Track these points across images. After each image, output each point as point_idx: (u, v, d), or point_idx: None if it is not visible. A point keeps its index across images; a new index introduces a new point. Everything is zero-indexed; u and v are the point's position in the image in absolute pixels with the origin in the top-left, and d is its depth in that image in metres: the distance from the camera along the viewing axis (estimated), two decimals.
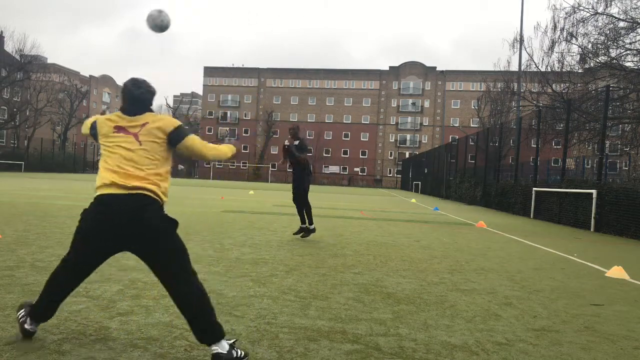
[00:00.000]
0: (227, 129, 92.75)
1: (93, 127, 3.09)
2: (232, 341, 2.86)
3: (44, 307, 2.97)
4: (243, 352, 2.82)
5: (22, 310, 3.06)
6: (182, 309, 2.83)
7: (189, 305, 2.81)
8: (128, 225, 2.77)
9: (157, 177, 2.91)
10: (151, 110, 3.06)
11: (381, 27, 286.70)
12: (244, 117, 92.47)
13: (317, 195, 31.03)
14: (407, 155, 79.03)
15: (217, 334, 2.79)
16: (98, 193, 2.90)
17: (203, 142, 3.13)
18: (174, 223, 2.89)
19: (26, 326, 2.98)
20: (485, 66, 62.32)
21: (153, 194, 2.86)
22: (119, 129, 2.97)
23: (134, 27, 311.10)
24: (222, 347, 2.76)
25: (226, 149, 3.30)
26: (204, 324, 2.79)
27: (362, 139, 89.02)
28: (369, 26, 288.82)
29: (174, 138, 2.99)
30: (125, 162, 2.88)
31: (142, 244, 2.81)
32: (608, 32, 18.94)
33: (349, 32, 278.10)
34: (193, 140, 3.07)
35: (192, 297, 2.81)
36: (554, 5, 26.20)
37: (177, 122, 3.06)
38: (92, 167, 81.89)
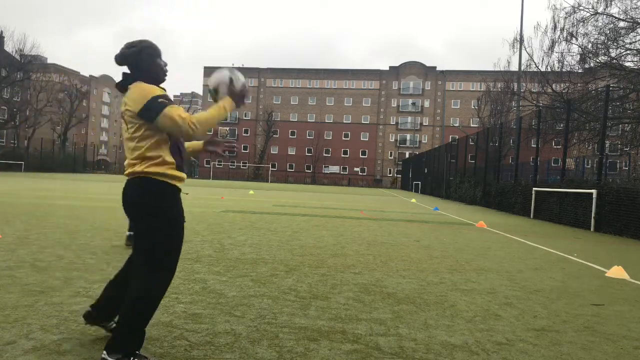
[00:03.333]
0: (227, 128, 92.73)
1: None
2: None
3: None
4: None
5: None
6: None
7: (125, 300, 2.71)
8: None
9: (145, 158, 2.69)
10: (144, 74, 2.74)
11: (378, 27, 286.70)
12: (244, 117, 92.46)
13: (317, 195, 31.01)
14: (407, 155, 79.02)
15: (122, 347, 2.59)
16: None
17: (179, 114, 2.62)
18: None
19: None
20: (483, 65, 62.29)
21: (143, 175, 2.69)
22: (122, 113, 2.77)
23: (131, 27, 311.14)
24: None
25: (218, 111, 2.79)
26: (118, 329, 2.63)
27: (362, 139, 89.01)
28: (366, 26, 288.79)
29: (145, 117, 2.63)
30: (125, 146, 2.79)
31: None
32: (608, 32, 18.95)
33: (348, 32, 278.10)
34: (169, 118, 2.61)
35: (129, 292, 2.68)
36: (554, 5, 26.23)
37: (146, 98, 2.61)
38: (92, 167, 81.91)
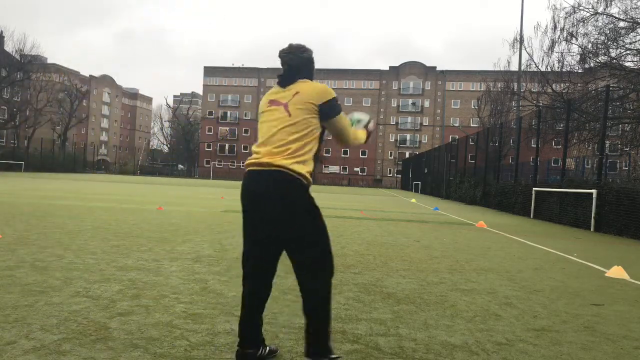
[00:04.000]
0: (227, 129, 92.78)
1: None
2: None
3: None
4: None
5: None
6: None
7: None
8: (270, 205, 2.64)
9: (302, 153, 2.66)
10: (308, 78, 2.81)
11: (378, 27, 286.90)
12: (244, 117, 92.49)
13: (317, 195, 31.00)
14: (407, 155, 79.02)
15: (326, 350, 2.67)
16: (247, 169, 2.79)
17: (349, 123, 2.87)
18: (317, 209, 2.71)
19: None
20: (483, 65, 62.32)
21: (295, 173, 2.62)
22: (271, 102, 2.78)
23: (131, 27, 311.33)
24: None
25: (362, 135, 3.04)
26: (319, 334, 2.71)
27: None
28: (366, 26, 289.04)
29: (324, 112, 2.70)
30: (271, 136, 2.69)
31: (285, 226, 2.65)
32: (608, 32, 18.96)
33: (348, 32, 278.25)
34: (343, 120, 2.80)
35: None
36: (554, 5, 26.20)
37: (331, 94, 2.73)
38: (92, 166, 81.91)
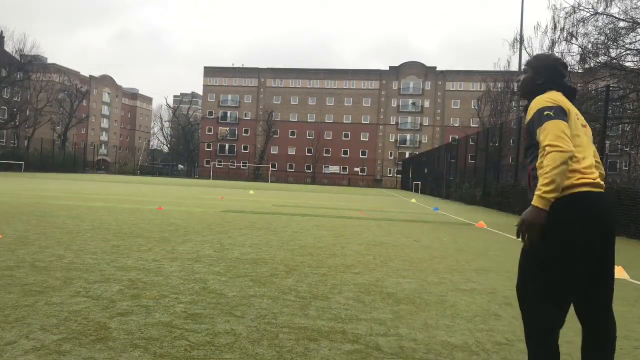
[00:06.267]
0: (227, 129, 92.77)
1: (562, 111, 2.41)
2: None
3: None
4: None
5: None
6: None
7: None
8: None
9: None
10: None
11: (379, 27, 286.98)
12: (244, 117, 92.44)
13: (317, 195, 31.02)
14: (407, 155, 79.01)
15: None
16: (584, 190, 2.34)
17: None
18: None
19: None
20: (482, 65, 62.35)
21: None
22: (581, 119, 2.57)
23: (131, 27, 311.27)
24: None
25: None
26: None
27: (362, 139, 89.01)
28: (367, 26, 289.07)
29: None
30: (592, 158, 2.48)
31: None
32: (608, 32, 18.93)
33: (348, 32, 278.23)
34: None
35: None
36: (554, 5, 26.13)
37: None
38: (92, 166, 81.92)
